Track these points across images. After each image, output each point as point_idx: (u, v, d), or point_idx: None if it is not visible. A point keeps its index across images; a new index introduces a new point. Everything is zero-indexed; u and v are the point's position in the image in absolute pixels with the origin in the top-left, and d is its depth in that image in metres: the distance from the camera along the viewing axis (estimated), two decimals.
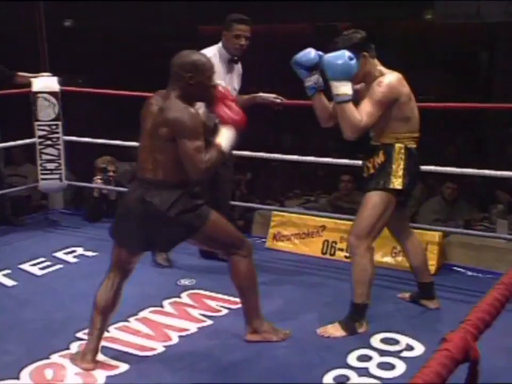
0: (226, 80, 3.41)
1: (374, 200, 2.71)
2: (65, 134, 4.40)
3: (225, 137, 2.38)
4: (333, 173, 5.70)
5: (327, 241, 3.75)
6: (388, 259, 3.60)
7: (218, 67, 3.38)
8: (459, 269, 3.56)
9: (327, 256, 3.73)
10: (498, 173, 3.52)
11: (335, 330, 2.73)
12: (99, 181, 4.44)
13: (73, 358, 2.51)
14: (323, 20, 8.08)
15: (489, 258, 3.59)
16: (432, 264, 3.40)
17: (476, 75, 9.07)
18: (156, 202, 2.33)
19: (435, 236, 3.56)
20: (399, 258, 3.56)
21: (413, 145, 2.73)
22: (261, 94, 3.61)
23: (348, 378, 2.37)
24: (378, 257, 3.59)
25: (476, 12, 6.91)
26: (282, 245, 3.90)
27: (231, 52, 3.39)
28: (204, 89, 2.38)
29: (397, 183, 2.69)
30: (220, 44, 3.42)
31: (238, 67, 3.51)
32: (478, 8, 6.85)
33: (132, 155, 7.24)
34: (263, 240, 3.99)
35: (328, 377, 2.36)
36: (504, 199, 5.50)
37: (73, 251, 3.82)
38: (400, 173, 2.69)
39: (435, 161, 3.43)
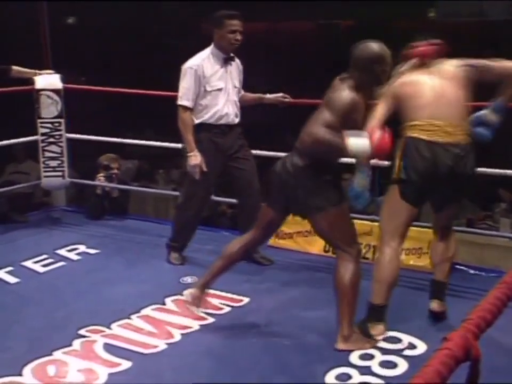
0: (226, 80, 3.40)
1: (386, 198, 2.75)
2: (68, 131, 4.40)
3: (358, 145, 2.44)
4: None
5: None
6: None
7: (214, 68, 3.37)
8: (462, 267, 3.55)
9: (329, 254, 3.73)
10: (502, 171, 3.51)
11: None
12: (102, 178, 4.45)
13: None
14: (326, 18, 8.06)
15: (492, 257, 3.59)
16: None
17: None
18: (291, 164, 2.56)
19: None
20: (402, 257, 3.55)
21: (416, 134, 2.61)
22: (268, 95, 3.62)
23: (350, 376, 2.37)
24: None
25: (479, 11, 6.90)
26: (284, 243, 3.89)
27: (226, 49, 3.37)
28: (385, 76, 2.62)
29: (394, 174, 2.69)
30: (211, 46, 3.39)
31: (237, 63, 3.49)
32: (481, 6, 6.84)
33: (134, 153, 7.27)
34: None
35: (331, 376, 2.36)
36: (507, 197, 5.50)
37: (76, 248, 3.83)
38: (396, 163, 2.67)
39: None
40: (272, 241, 3.95)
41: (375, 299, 2.65)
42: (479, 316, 0.88)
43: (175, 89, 3.49)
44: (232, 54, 3.43)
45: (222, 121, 3.40)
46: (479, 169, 3.59)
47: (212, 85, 3.35)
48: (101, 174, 4.45)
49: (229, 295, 3.11)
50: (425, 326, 2.77)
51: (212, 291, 3.15)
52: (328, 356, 2.51)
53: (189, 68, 3.33)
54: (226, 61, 3.40)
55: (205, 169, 3.33)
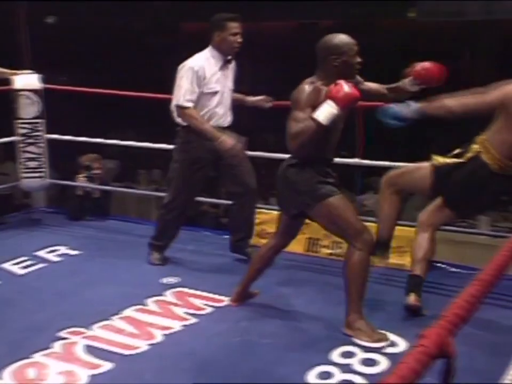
0: (223, 83, 3.39)
1: (427, 166, 2.93)
2: (50, 132, 4.36)
3: (322, 110, 2.49)
4: None
5: (311, 238, 3.76)
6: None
7: (213, 70, 3.35)
8: (441, 265, 3.58)
9: (311, 253, 3.74)
10: None
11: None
12: (82, 178, 4.42)
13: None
14: (307, 18, 8.08)
15: (471, 254, 3.63)
16: None
17: (458, 73, 9.13)
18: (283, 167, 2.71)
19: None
20: None
21: (491, 162, 2.73)
22: (249, 98, 3.60)
23: (331, 374, 2.38)
24: None
25: (458, 10, 6.96)
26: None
27: (227, 51, 3.36)
28: (349, 67, 2.62)
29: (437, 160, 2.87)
30: (209, 47, 3.37)
31: (232, 65, 3.49)
32: (460, 6, 6.90)
33: (116, 153, 7.23)
34: None
35: (312, 374, 2.37)
36: None
37: (56, 250, 3.79)
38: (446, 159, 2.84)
39: (418, 158, 3.45)
40: (254, 240, 3.96)
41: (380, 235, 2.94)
42: (454, 313, 0.89)
43: (158, 90, 3.47)
44: (230, 57, 3.41)
45: (212, 123, 3.38)
46: None
47: (209, 87, 3.33)
48: (82, 175, 4.42)
49: (212, 295, 3.10)
50: (406, 323, 2.79)
51: (194, 291, 3.15)
52: (309, 355, 2.52)
53: (190, 68, 3.29)
54: (225, 64, 3.39)
55: (241, 146, 3.27)
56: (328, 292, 3.17)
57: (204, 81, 3.31)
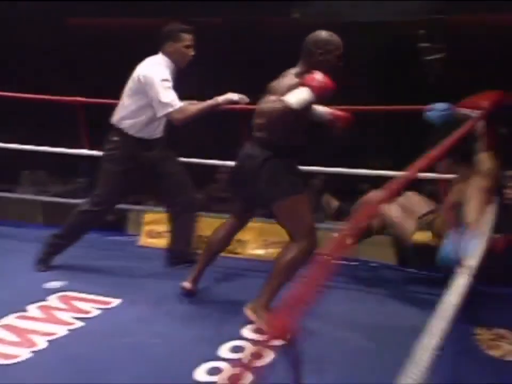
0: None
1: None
2: None
3: (295, 94, 2.53)
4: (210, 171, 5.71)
5: (200, 236, 3.77)
6: (261, 252, 3.72)
7: (170, 79, 3.20)
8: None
9: (201, 251, 3.76)
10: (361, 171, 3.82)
11: None
12: None
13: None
14: (190, 17, 8.03)
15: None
16: None
17: (348, 75, 9.46)
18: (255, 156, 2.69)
19: None
20: (271, 250, 3.67)
21: None
22: None
23: (220, 370, 2.40)
24: (249, 250, 3.72)
25: (348, 11, 7.14)
26: (155, 242, 3.88)
27: (179, 63, 3.25)
28: (331, 66, 2.65)
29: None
30: (161, 56, 3.23)
31: None
32: (351, 7, 7.05)
33: None
34: (138, 237, 3.96)
35: (201, 371, 2.38)
36: (368, 190, 5.83)
37: None
38: None
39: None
40: (142, 240, 3.93)
41: None
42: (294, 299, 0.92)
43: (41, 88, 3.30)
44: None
45: (145, 134, 3.30)
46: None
47: None
48: None
49: (98, 297, 3.04)
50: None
51: (80, 295, 3.06)
52: (198, 352, 2.52)
53: (159, 76, 3.12)
54: (175, 74, 3.27)
55: (233, 94, 3.14)
56: (217, 288, 3.21)
57: None
